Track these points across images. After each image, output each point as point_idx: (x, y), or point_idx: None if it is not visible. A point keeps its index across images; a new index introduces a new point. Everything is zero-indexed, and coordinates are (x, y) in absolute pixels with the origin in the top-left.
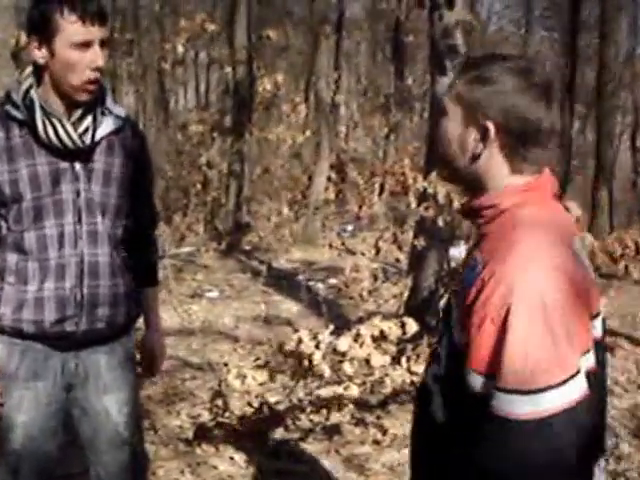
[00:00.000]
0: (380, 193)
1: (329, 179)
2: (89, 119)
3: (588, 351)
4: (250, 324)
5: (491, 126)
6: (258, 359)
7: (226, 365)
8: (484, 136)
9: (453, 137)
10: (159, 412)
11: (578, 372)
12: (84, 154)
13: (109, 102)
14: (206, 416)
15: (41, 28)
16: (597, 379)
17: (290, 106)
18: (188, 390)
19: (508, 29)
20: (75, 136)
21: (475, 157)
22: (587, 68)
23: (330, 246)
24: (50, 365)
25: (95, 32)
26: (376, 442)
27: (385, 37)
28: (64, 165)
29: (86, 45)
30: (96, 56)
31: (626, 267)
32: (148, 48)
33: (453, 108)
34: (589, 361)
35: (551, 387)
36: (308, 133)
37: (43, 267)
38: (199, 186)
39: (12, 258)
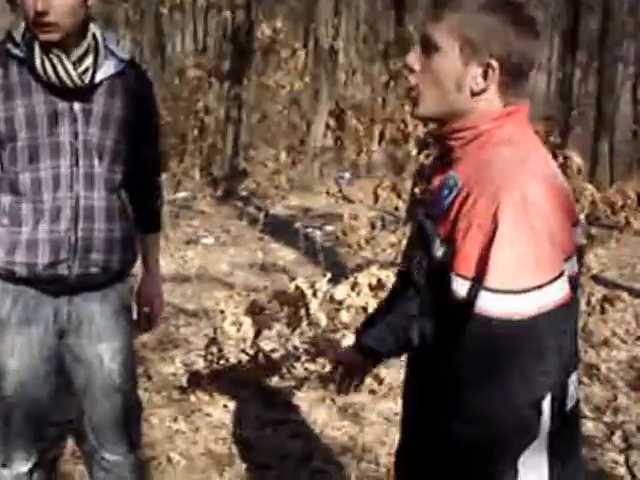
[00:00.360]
0: (380, 140)
1: (327, 126)
2: (90, 59)
3: (571, 257)
4: (246, 271)
5: (495, 64)
6: (254, 306)
7: (222, 312)
8: (486, 74)
9: (448, 75)
10: (153, 359)
11: (562, 274)
12: (83, 95)
13: (112, 46)
14: (200, 363)
15: None
16: (575, 286)
17: (289, 52)
18: (182, 337)
19: None
20: (74, 74)
21: (473, 94)
22: (590, 17)
23: (327, 193)
24: (42, 311)
25: None
26: (372, 392)
27: None
28: (63, 105)
29: None
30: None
31: (627, 218)
32: None
33: (447, 44)
34: (573, 267)
35: (536, 287)
36: (307, 79)
37: (37, 209)
38: (196, 132)
39: (5, 199)
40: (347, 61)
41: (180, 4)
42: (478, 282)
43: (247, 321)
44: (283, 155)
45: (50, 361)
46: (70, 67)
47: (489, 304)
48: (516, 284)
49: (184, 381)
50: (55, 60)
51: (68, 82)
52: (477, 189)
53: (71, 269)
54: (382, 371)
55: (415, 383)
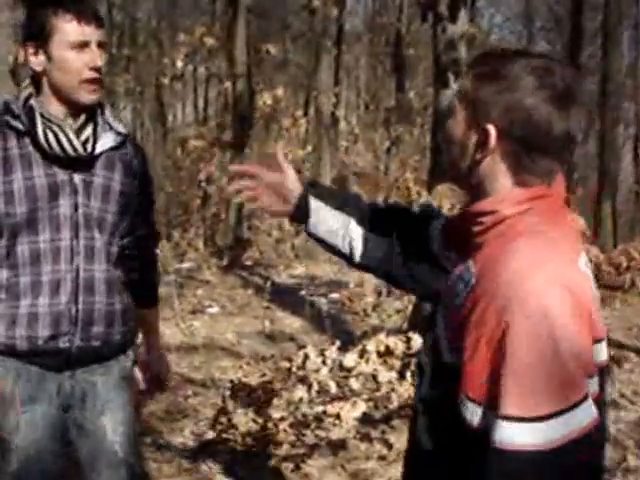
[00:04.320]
0: None
1: None
2: (90, 129)
3: (592, 375)
4: (253, 340)
5: (492, 130)
6: (264, 375)
7: (231, 382)
8: (484, 141)
9: (455, 139)
10: (162, 429)
11: (587, 396)
12: (84, 166)
13: (109, 117)
14: (210, 433)
15: (37, 33)
16: (601, 409)
17: (290, 120)
18: (191, 407)
19: (509, 41)
20: (77, 142)
21: (474, 164)
22: (590, 80)
23: (331, 261)
24: (45, 387)
25: (92, 32)
26: (381, 457)
27: (385, 51)
28: (63, 177)
29: (83, 45)
30: (94, 55)
31: (631, 279)
32: (145, 63)
33: (458, 107)
34: (593, 387)
35: (559, 412)
36: (309, 148)
37: (36, 282)
38: (199, 202)
39: (2, 273)
40: (349, 128)
41: (181, 74)
42: (491, 409)
43: (256, 390)
44: (287, 224)
45: (55, 436)
46: (72, 136)
47: (507, 437)
48: (536, 409)
49: (194, 451)
50: (56, 129)
51: (71, 151)
52: (488, 295)
53: (72, 342)
54: (391, 437)
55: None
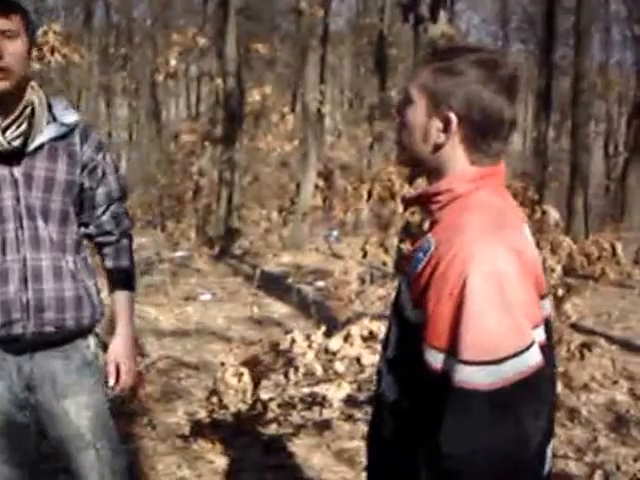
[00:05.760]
0: (368, 199)
1: (316, 186)
2: (24, 126)
3: (538, 326)
4: (242, 325)
5: (453, 117)
6: (253, 358)
7: (223, 364)
8: (446, 127)
9: (416, 126)
10: (157, 410)
11: (533, 342)
12: (23, 160)
13: (58, 111)
14: (202, 413)
15: None
16: (548, 355)
17: (278, 116)
18: (184, 388)
19: (486, 41)
20: (2, 139)
21: (437, 147)
22: (562, 79)
23: (317, 250)
24: (5, 367)
25: None
26: (365, 437)
27: (368, 50)
28: (3, 172)
29: None
30: None
31: (602, 269)
32: (141, 62)
33: (418, 97)
34: (540, 336)
35: (510, 356)
36: (296, 142)
37: None
38: (191, 194)
39: None
40: (333, 124)
41: (174, 73)
42: (452, 354)
43: (246, 372)
44: (274, 215)
45: (23, 411)
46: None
47: (467, 378)
48: (491, 354)
49: (187, 430)
50: None
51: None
52: (448, 256)
53: (26, 328)
54: None
55: (384, 437)
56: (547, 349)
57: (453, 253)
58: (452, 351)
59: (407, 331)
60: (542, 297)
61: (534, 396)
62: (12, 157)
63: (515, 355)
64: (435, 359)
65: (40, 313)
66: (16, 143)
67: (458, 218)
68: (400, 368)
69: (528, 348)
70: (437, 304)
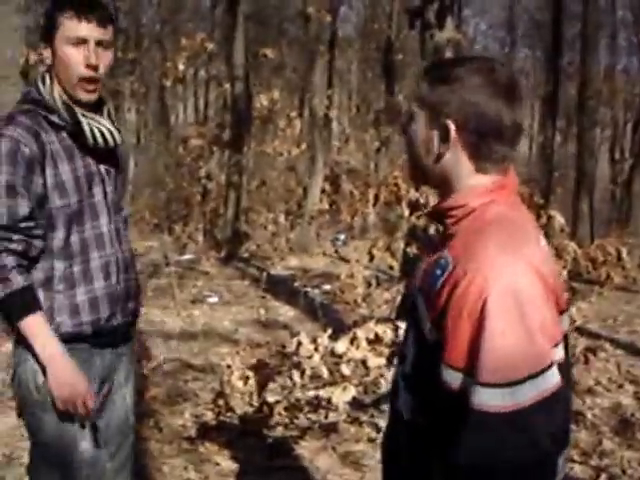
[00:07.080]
0: (374, 203)
1: (323, 190)
2: (109, 122)
3: (558, 344)
4: (249, 328)
5: (451, 125)
6: (260, 361)
7: (229, 367)
8: (446, 136)
9: (419, 140)
10: (163, 412)
11: (552, 364)
12: (107, 157)
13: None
14: (209, 415)
15: (46, 28)
16: (565, 372)
17: (285, 121)
18: (191, 391)
19: (493, 48)
20: (117, 134)
21: (439, 157)
22: (569, 84)
23: (324, 254)
24: (93, 364)
25: (91, 30)
26: (371, 440)
27: (375, 56)
28: (94, 168)
29: (81, 41)
30: (89, 53)
31: (607, 273)
32: (149, 67)
33: (418, 111)
34: (559, 354)
35: (528, 378)
36: (303, 147)
37: (88, 269)
38: (199, 197)
39: (59, 265)
40: (340, 129)
41: (182, 77)
42: (471, 375)
43: (252, 375)
44: (282, 218)
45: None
46: (112, 127)
47: (485, 400)
48: (510, 376)
49: (193, 432)
50: (94, 123)
51: (111, 142)
52: (468, 276)
53: (118, 319)
54: (380, 420)
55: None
56: (565, 366)
57: (472, 273)
58: (471, 372)
59: (425, 348)
60: (561, 312)
61: (552, 416)
62: (100, 154)
63: (534, 376)
64: (453, 379)
65: (125, 303)
66: (118, 139)
67: (475, 235)
68: (417, 383)
69: (547, 369)
70: (456, 324)
